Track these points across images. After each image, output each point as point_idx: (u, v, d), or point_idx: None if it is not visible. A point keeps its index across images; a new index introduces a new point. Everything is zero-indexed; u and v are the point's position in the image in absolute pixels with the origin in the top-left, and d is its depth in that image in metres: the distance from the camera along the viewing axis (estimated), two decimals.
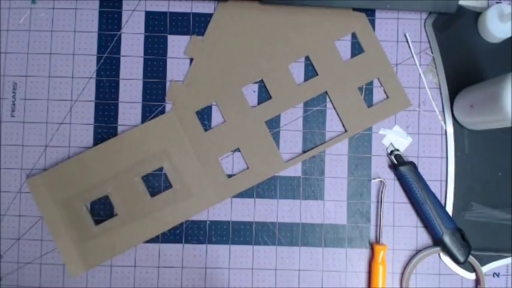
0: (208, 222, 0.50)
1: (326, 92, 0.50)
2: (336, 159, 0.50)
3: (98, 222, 0.49)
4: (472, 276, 0.49)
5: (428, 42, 0.51)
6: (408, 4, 0.49)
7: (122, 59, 0.51)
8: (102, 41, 0.51)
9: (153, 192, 0.50)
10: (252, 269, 0.49)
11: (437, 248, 0.49)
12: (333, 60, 0.50)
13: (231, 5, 0.50)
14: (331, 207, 0.50)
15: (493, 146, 0.50)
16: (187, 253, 0.50)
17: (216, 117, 0.50)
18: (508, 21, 0.48)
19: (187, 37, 0.51)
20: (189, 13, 0.51)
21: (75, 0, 0.51)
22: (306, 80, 0.51)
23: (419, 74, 0.51)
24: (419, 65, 0.51)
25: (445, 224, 0.47)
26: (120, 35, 0.51)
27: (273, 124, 0.50)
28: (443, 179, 0.50)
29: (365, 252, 0.50)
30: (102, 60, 0.51)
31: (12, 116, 0.50)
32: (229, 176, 0.50)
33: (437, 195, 0.49)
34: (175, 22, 0.51)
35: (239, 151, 0.50)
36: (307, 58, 0.51)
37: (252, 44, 0.50)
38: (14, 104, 0.50)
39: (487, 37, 0.50)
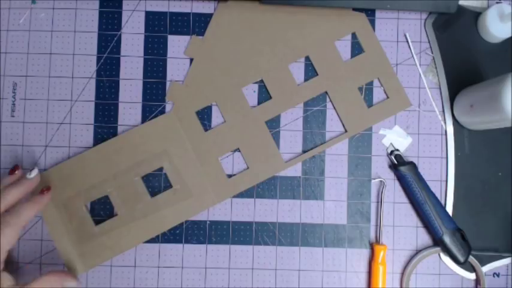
0: (208, 222, 0.50)
1: (326, 92, 0.50)
2: (336, 159, 0.50)
3: (98, 222, 0.49)
4: (472, 276, 0.49)
5: (428, 42, 0.51)
6: (408, 4, 0.49)
7: (122, 59, 0.51)
8: (102, 41, 0.51)
9: (153, 192, 0.50)
10: (252, 269, 0.49)
11: (437, 248, 0.49)
12: (333, 60, 0.50)
13: (231, 5, 0.50)
14: (331, 207, 0.50)
15: (493, 146, 0.50)
16: (187, 253, 0.50)
17: (216, 117, 0.50)
18: (508, 21, 0.48)
19: (187, 37, 0.51)
20: (189, 13, 0.51)
21: (75, 0, 0.51)
22: (306, 80, 0.51)
23: (419, 74, 0.51)
24: (419, 65, 0.51)
25: (445, 224, 0.47)
26: (120, 35, 0.51)
27: (273, 124, 0.50)
28: (443, 179, 0.50)
29: (365, 252, 0.50)
30: (102, 60, 0.51)
31: (12, 116, 0.50)
32: (229, 176, 0.50)
33: (437, 195, 0.49)
34: (175, 22, 0.51)
35: (239, 151, 0.50)
36: (307, 58, 0.51)
37: (252, 44, 0.50)
38: (14, 104, 0.50)
39: (487, 37, 0.50)
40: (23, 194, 0.44)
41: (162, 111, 0.50)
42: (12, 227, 0.42)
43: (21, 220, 0.43)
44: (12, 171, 0.46)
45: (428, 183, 0.49)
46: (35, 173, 0.45)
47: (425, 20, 0.51)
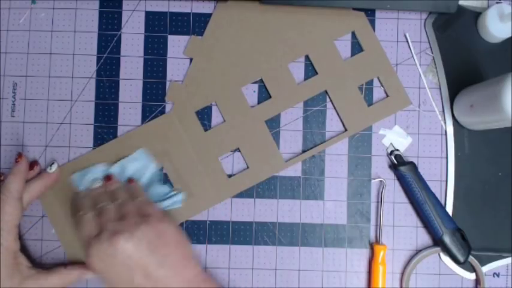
0: (208, 222, 0.50)
1: (326, 91, 0.50)
2: (336, 159, 0.50)
3: None
4: (472, 276, 0.49)
5: (428, 42, 0.51)
6: (408, 4, 0.49)
7: (122, 59, 0.51)
8: (102, 41, 0.51)
9: None
10: (252, 269, 0.49)
11: (437, 248, 0.49)
12: (333, 59, 0.50)
13: (231, 5, 0.50)
14: (331, 207, 0.50)
15: (493, 146, 0.50)
16: None
17: (216, 117, 0.50)
18: (508, 21, 0.48)
19: (187, 37, 0.51)
20: (189, 13, 0.51)
21: (75, 0, 0.51)
22: (305, 79, 0.51)
23: (419, 74, 0.51)
24: (419, 65, 0.51)
25: (445, 224, 0.47)
26: (120, 35, 0.51)
27: (273, 124, 0.50)
28: (443, 179, 0.50)
29: (365, 252, 0.50)
30: (102, 60, 0.51)
31: (12, 116, 0.50)
32: (229, 176, 0.50)
33: (437, 195, 0.49)
34: (175, 22, 0.51)
35: (239, 151, 0.50)
36: (306, 57, 0.51)
37: (251, 44, 0.50)
38: (14, 104, 0.50)
39: (487, 37, 0.50)
40: (45, 188, 0.47)
41: (162, 111, 0.50)
42: (9, 202, 0.43)
43: (13, 193, 0.44)
44: (31, 167, 0.47)
45: (428, 183, 0.49)
46: (55, 167, 0.47)
47: (425, 20, 0.51)
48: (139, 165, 0.48)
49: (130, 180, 0.47)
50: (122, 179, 0.48)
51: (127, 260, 0.39)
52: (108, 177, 0.47)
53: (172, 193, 0.48)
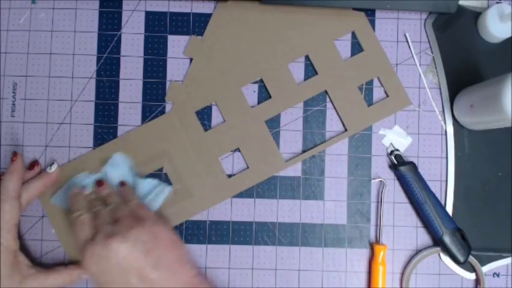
0: (208, 222, 0.50)
1: (326, 91, 0.50)
2: (336, 159, 0.50)
3: None
4: (472, 276, 0.49)
5: (428, 42, 0.51)
6: (408, 4, 0.49)
7: (122, 59, 0.51)
8: (102, 41, 0.51)
9: None
10: (252, 269, 0.50)
11: (437, 248, 0.49)
12: (333, 60, 0.50)
13: (231, 5, 0.50)
14: (331, 207, 0.50)
15: (493, 146, 0.50)
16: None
17: (216, 117, 0.50)
18: (508, 21, 0.48)
19: (187, 37, 0.51)
20: (189, 13, 0.51)
21: (75, 0, 0.51)
22: (305, 79, 0.51)
23: (419, 74, 0.51)
24: (419, 65, 0.51)
25: (445, 224, 0.47)
26: (120, 35, 0.51)
27: (273, 124, 0.50)
28: (443, 179, 0.50)
29: (365, 252, 0.50)
30: (102, 60, 0.51)
31: (12, 116, 0.50)
32: (229, 176, 0.50)
33: (437, 195, 0.49)
34: (175, 22, 0.51)
35: (239, 151, 0.50)
36: (306, 57, 0.51)
37: (251, 44, 0.50)
38: (14, 104, 0.50)
39: (487, 37, 0.50)
40: (45, 187, 0.47)
41: (162, 111, 0.50)
42: (7, 201, 0.44)
43: (10, 192, 0.44)
44: (31, 166, 0.47)
45: (428, 183, 0.49)
46: (55, 167, 0.47)
47: (425, 20, 0.51)
48: (120, 170, 0.48)
49: (122, 183, 0.47)
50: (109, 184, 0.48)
51: (121, 262, 0.39)
52: (99, 182, 0.47)
53: (158, 183, 0.49)
